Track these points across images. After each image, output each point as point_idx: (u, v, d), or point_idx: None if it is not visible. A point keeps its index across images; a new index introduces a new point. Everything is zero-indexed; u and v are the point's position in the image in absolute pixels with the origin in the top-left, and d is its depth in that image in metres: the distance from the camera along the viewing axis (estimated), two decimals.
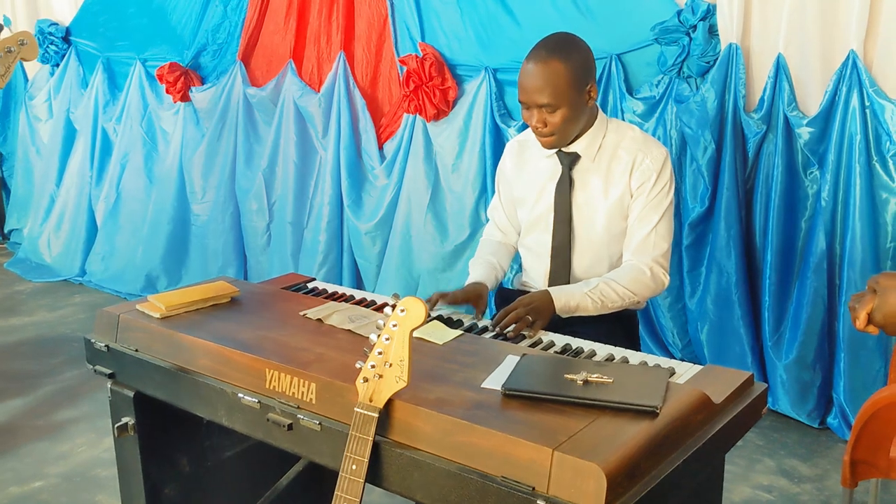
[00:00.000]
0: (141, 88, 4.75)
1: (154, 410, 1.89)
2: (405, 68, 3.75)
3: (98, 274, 4.91)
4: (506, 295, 2.20)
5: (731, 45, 3.02)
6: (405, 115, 3.87)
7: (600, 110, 2.14)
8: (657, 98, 3.24)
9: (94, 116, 4.95)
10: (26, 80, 5.47)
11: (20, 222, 5.58)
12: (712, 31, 3.08)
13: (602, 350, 1.75)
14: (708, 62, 3.08)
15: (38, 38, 5.09)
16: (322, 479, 2.16)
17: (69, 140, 5.13)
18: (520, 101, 2.04)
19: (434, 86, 3.67)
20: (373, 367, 1.40)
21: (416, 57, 3.70)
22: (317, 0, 4.14)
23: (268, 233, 4.50)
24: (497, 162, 2.38)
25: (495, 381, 1.48)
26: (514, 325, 1.85)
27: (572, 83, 1.98)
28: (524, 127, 3.39)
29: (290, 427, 1.54)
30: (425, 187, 3.84)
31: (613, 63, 3.27)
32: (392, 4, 3.85)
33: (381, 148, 4.04)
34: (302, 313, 1.87)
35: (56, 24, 5.10)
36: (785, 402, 3.09)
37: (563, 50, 1.99)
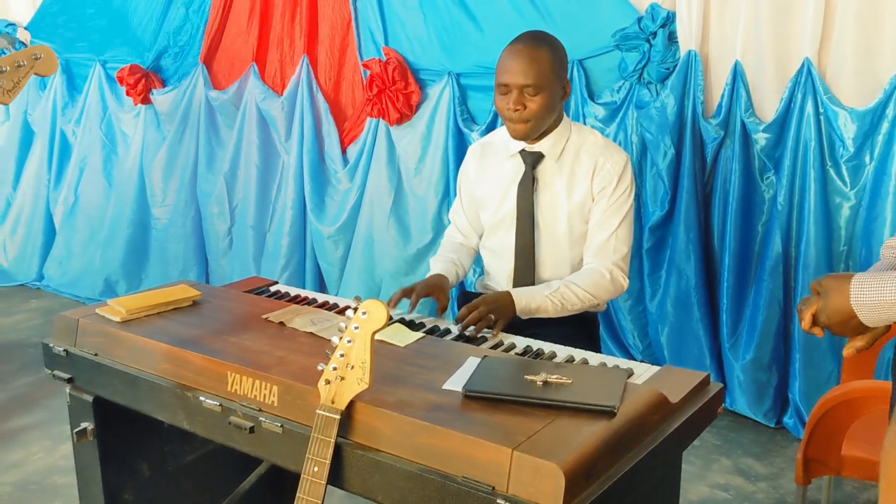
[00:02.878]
0: (101, 90, 4.69)
1: (113, 415, 1.87)
2: (368, 72, 3.76)
3: (56, 278, 4.83)
4: (468, 298, 2.22)
5: (689, 51, 3.08)
6: (368, 119, 3.87)
7: (564, 114, 2.18)
8: (618, 103, 3.29)
9: (53, 118, 4.87)
10: None
11: None
12: (672, 38, 3.13)
13: (563, 352, 1.77)
14: (667, 68, 3.14)
15: None
16: (284, 482, 2.16)
17: (26, 142, 5.04)
18: (498, 85, 2.06)
19: (397, 90, 3.68)
20: (335, 369, 1.40)
21: (380, 61, 3.71)
22: (280, 3, 4.13)
23: (229, 236, 4.46)
24: (459, 166, 2.40)
25: (456, 382, 1.49)
26: (476, 324, 1.87)
27: (555, 72, 2.04)
28: (487, 131, 3.41)
29: (251, 430, 1.54)
30: (388, 191, 3.84)
31: (575, 68, 3.31)
32: (356, 9, 3.86)
33: (344, 152, 4.04)
34: (264, 316, 1.86)
35: (13, 24, 5.00)
36: (742, 402, 3.15)
37: (549, 41, 2.08)
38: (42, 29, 4.89)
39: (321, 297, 2.13)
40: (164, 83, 4.53)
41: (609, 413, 1.38)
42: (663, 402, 1.48)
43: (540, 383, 1.45)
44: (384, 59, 3.71)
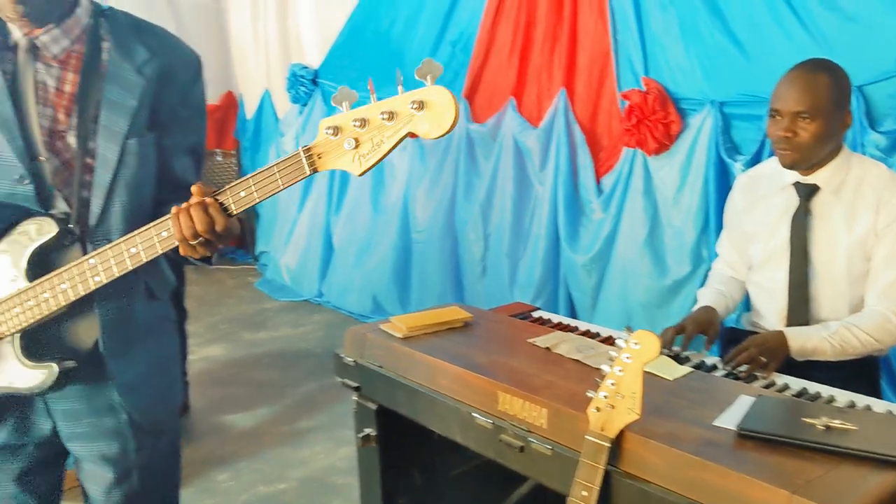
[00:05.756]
0: None
1: (393, 423, 2.05)
2: (627, 102, 3.78)
3: (333, 295, 5.34)
4: (735, 335, 2.16)
5: None
6: (625, 148, 3.89)
7: (843, 144, 2.07)
8: None
9: None
10: (276, 119, 6.09)
11: (267, 245, 6.20)
12: None
13: (842, 396, 1.68)
14: None
15: (290, 81, 5.67)
16: (545, 502, 2.23)
17: None
18: (770, 110, 2.02)
19: (657, 120, 3.66)
20: (605, 397, 1.45)
21: (639, 91, 3.71)
22: (540, 37, 4.28)
23: (483, 262, 4.67)
24: (721, 197, 2.36)
25: (728, 419, 1.48)
26: (746, 366, 1.83)
27: (834, 100, 1.96)
28: (752, 162, 3.29)
29: (521, 449, 1.62)
30: (643, 221, 3.82)
31: (853, 94, 3.10)
32: (616, 40, 3.90)
33: (598, 182, 4.08)
34: (530, 341, 1.95)
35: (306, 67, 5.65)
36: None
37: (830, 68, 2.00)
38: (331, 71, 5.46)
39: (583, 325, 2.18)
40: None
41: None
42: None
43: (821, 427, 1.39)
44: (644, 88, 3.71)
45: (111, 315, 1.50)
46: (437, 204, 4.82)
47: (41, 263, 1.44)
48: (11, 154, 1.42)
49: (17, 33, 1.44)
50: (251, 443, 3.35)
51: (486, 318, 2.19)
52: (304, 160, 1.27)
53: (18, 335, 1.47)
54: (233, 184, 1.33)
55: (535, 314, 2.33)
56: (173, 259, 1.50)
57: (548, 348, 1.90)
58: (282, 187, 1.30)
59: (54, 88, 1.46)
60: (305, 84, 5.61)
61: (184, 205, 1.33)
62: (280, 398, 3.82)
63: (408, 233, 4.99)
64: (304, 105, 5.74)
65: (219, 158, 6.37)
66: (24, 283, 1.44)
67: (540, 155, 4.28)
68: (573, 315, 4.21)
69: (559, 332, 2.05)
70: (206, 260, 1.47)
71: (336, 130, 1.26)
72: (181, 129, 1.54)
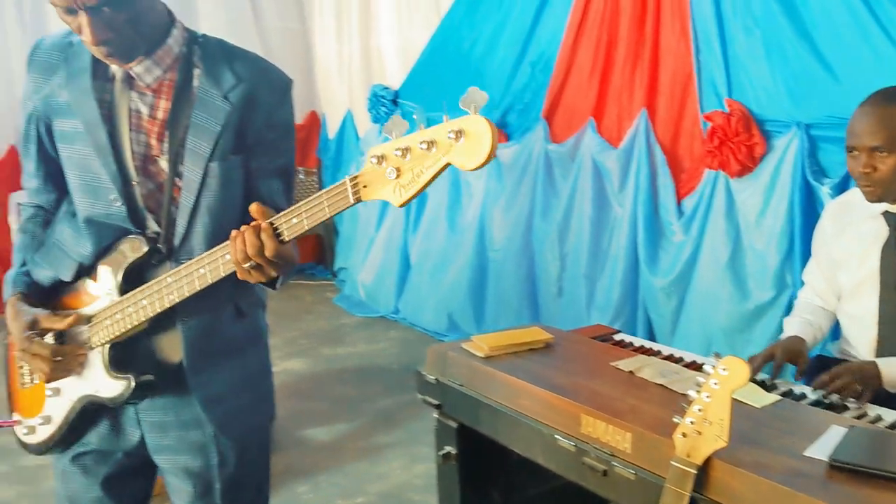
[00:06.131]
0: None
1: (473, 442, 2.07)
2: (710, 124, 3.73)
3: (409, 312, 5.41)
4: (824, 362, 2.12)
5: None
6: (707, 170, 3.84)
7: None
8: None
9: None
10: (357, 138, 6.22)
11: (346, 262, 6.32)
12: None
13: None
14: None
15: (371, 101, 5.80)
16: None
17: None
18: (847, 148, 1.98)
19: (740, 142, 3.61)
20: (692, 423, 1.44)
21: (722, 113, 3.67)
22: (621, 58, 4.27)
23: (560, 283, 4.66)
24: (807, 221, 2.32)
25: (819, 450, 1.45)
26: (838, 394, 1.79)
27: None
28: (839, 186, 3.21)
29: (605, 473, 1.62)
30: (725, 244, 3.76)
31: None
32: (699, 61, 3.86)
33: (679, 203, 4.04)
34: (613, 364, 1.95)
35: (387, 88, 5.77)
36: None
37: None
38: (411, 91, 5.56)
39: (665, 349, 2.17)
40: (508, 138, 4.90)
41: None
42: None
43: None
44: (727, 110, 3.67)
45: (193, 331, 1.55)
46: (513, 223, 4.84)
47: (134, 279, 1.51)
48: (107, 178, 1.51)
49: (114, 65, 1.53)
50: (330, 456, 3.42)
51: (568, 340, 2.19)
52: (349, 190, 1.27)
53: (108, 346, 1.54)
54: (286, 210, 1.34)
55: (617, 337, 2.32)
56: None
57: (631, 372, 1.90)
58: (329, 215, 1.30)
59: (147, 115, 1.53)
60: (386, 104, 5.72)
61: (242, 228, 1.35)
62: (357, 413, 3.89)
63: (484, 251, 5.02)
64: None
65: (301, 177, 6.54)
66: (116, 297, 1.52)
67: (619, 176, 4.26)
68: (651, 338, 4.15)
69: (642, 355, 2.04)
70: (270, 284, 1.48)
71: (381, 159, 1.25)
72: (267, 151, 1.58)
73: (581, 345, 2.15)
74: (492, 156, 1.16)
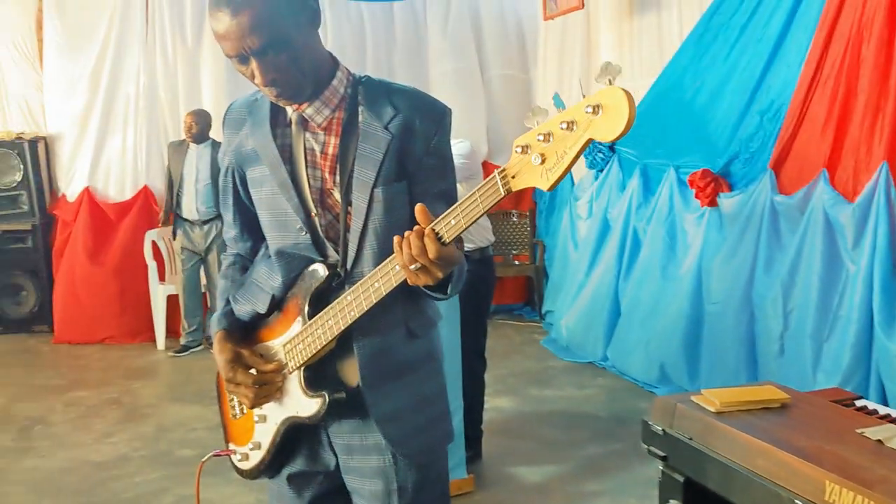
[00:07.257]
0: (671, 193, 5.13)
1: (698, 497, 2.03)
2: None
3: (618, 360, 5.36)
4: None
5: None
6: None
7: None
8: None
9: (627, 216, 5.48)
10: (572, 183, 6.31)
11: (554, 305, 6.38)
12: None
13: None
14: None
15: (588, 148, 5.86)
16: None
17: (603, 237, 5.75)
18: None
19: None
20: None
21: None
22: (860, 109, 4.04)
23: (781, 341, 4.42)
24: None
25: None
26: None
27: None
28: None
29: None
30: None
31: None
32: None
33: None
34: (859, 431, 1.85)
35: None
36: None
37: None
38: (628, 137, 5.55)
39: None
40: (731, 187, 4.76)
41: None
42: None
43: None
44: None
45: (367, 350, 1.67)
46: (733, 276, 4.67)
47: (319, 304, 1.66)
48: (292, 211, 1.69)
49: (289, 110, 1.71)
50: (539, 498, 3.46)
51: (805, 402, 2.11)
52: (499, 182, 1.33)
53: (303, 369, 1.69)
54: (446, 212, 1.42)
55: (859, 402, 2.20)
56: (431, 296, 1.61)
57: (880, 441, 1.79)
58: (483, 211, 1.36)
59: (320, 152, 1.69)
60: (603, 151, 5.77)
61: (406, 233, 1.45)
62: (565, 457, 3.89)
63: (700, 303, 4.88)
64: (601, 171, 5.89)
65: (514, 219, 6.72)
66: (306, 322, 1.67)
67: (854, 232, 4.01)
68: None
69: (890, 424, 1.92)
70: (441, 290, 1.55)
71: (525, 148, 1.30)
72: (429, 177, 1.67)
73: (821, 408, 2.06)
74: (630, 124, 1.19)
